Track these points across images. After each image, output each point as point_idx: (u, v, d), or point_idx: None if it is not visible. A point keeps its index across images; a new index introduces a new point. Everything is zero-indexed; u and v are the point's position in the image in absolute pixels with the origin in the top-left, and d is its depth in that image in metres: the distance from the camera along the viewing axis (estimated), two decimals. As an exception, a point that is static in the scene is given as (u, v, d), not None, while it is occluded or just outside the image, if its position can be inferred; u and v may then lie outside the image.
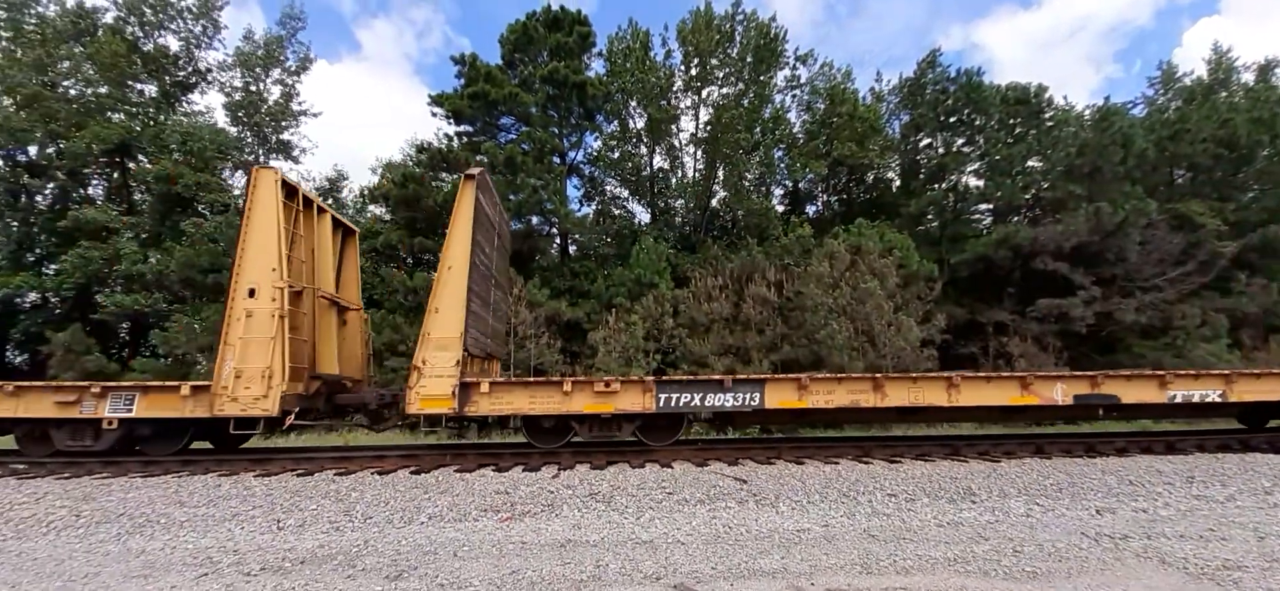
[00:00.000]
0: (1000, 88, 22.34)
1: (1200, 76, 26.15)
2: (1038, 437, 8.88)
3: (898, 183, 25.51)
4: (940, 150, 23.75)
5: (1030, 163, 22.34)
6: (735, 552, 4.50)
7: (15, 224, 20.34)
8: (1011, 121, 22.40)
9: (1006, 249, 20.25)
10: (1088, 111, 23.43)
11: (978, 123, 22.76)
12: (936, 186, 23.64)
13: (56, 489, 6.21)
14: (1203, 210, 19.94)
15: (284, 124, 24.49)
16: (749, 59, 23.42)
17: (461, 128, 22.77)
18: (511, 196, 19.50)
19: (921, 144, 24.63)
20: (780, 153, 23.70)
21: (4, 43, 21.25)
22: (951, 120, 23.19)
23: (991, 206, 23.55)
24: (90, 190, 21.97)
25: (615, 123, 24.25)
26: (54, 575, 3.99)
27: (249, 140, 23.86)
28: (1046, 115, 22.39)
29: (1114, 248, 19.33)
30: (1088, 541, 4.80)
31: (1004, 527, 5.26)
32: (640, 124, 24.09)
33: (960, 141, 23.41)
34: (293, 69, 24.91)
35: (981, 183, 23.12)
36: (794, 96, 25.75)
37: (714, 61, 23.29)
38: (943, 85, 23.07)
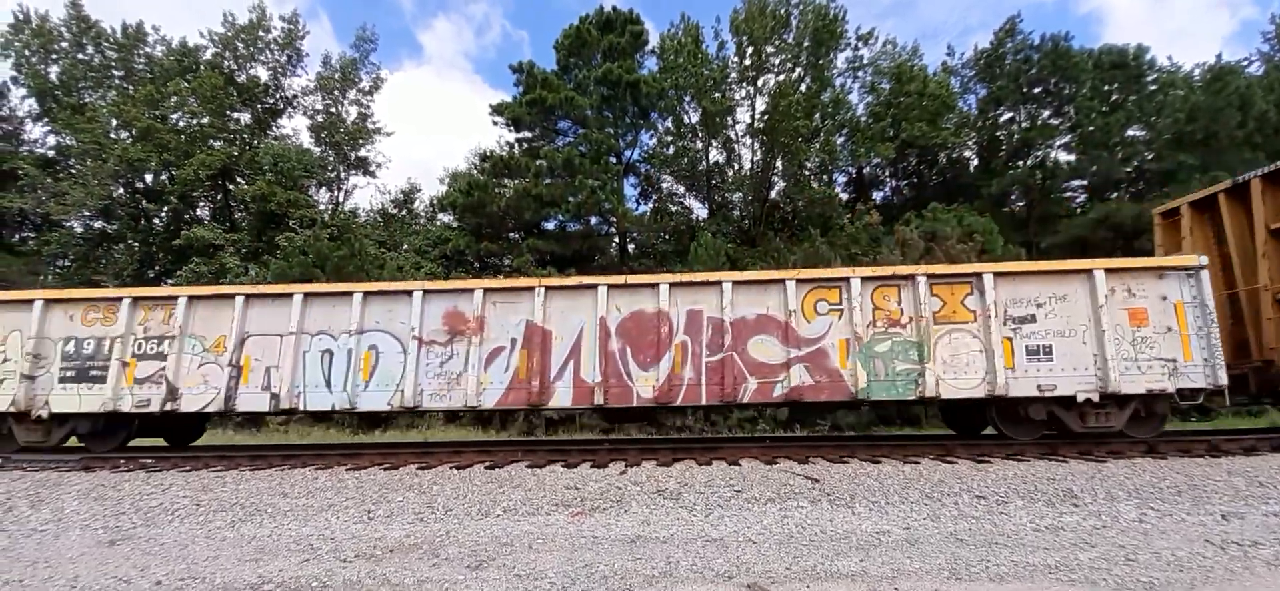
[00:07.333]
0: (1092, 52, 20.45)
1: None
2: (1151, 436, 8.00)
3: (975, 162, 23.90)
4: (1024, 124, 22.04)
5: (1130, 132, 20.31)
6: (809, 553, 4.34)
7: (137, 244, 22.91)
8: (1107, 88, 20.43)
9: (1106, 228, 18.53)
10: (1197, 71, 21.01)
11: (1066, 92, 20.92)
12: (1020, 164, 21.97)
13: (180, 481, 6.91)
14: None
15: (361, 142, 26.16)
16: (806, 43, 22.66)
17: (521, 134, 23.46)
18: (570, 198, 19.87)
19: (1002, 119, 22.96)
20: (842, 138, 22.79)
21: (118, 82, 23.95)
22: (1036, 91, 21.48)
23: (1086, 182, 21.59)
24: (199, 211, 24.40)
25: (670, 119, 24.19)
26: (179, 558, 4.43)
27: (331, 159, 25.69)
28: (1148, 79, 20.25)
29: (1235, 221, 17.31)
30: (1212, 549, 4.27)
31: (1112, 533, 4.78)
32: (695, 118, 23.90)
33: (1047, 113, 21.63)
34: (366, 89, 26.58)
35: (1073, 157, 21.25)
36: (856, 78, 24.71)
37: (769, 49, 22.70)
38: (1025, 54, 21.38)
